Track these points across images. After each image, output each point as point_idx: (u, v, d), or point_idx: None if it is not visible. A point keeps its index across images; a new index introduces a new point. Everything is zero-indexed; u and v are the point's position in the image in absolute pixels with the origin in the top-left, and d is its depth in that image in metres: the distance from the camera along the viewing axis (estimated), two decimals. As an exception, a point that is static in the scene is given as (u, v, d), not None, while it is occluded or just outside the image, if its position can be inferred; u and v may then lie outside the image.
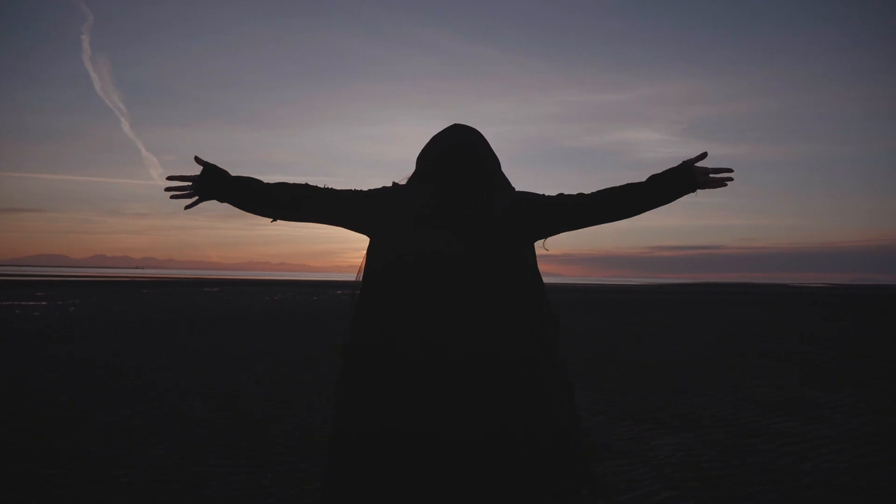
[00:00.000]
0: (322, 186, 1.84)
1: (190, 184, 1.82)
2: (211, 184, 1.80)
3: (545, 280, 1.82)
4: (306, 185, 1.83)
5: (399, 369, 1.63)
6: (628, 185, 1.79)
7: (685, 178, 1.79)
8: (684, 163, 1.81)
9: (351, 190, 1.85)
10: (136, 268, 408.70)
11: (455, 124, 1.85)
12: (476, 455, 1.56)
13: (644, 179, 1.81)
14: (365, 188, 1.87)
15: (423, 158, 1.84)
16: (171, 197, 1.83)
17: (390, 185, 1.83)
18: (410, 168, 1.86)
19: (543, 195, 1.80)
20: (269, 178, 1.81)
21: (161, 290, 34.29)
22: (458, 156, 1.76)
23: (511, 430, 1.59)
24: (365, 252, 1.81)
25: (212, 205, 1.86)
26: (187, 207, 1.85)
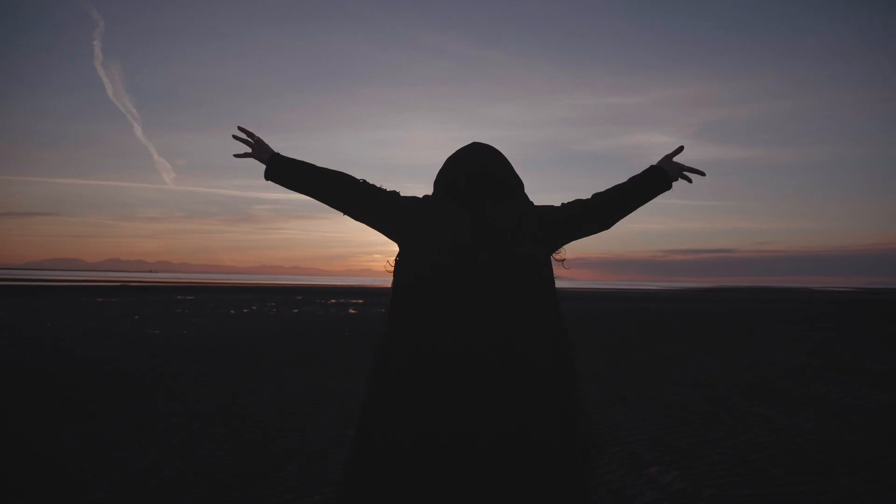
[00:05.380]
0: (377, 186, 1.90)
1: (250, 148, 2.00)
2: (274, 169, 1.94)
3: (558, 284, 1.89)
4: (364, 181, 1.90)
5: (428, 376, 1.62)
6: (617, 190, 1.95)
7: (663, 179, 1.99)
8: (661, 164, 2.02)
9: (393, 193, 1.89)
10: (150, 271, 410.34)
11: (474, 145, 1.92)
12: (501, 459, 1.57)
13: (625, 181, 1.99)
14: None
15: (444, 179, 1.88)
16: (235, 138, 2.02)
17: (420, 196, 1.89)
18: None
19: (554, 207, 1.89)
20: None
21: (125, 298, 29.06)
22: (479, 183, 1.81)
23: (533, 433, 1.60)
24: (394, 261, 1.81)
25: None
26: (236, 155, 2.02)
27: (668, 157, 2.03)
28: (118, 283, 57.33)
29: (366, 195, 1.86)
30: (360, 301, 31.82)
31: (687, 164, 2.03)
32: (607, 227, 1.95)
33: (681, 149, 2.04)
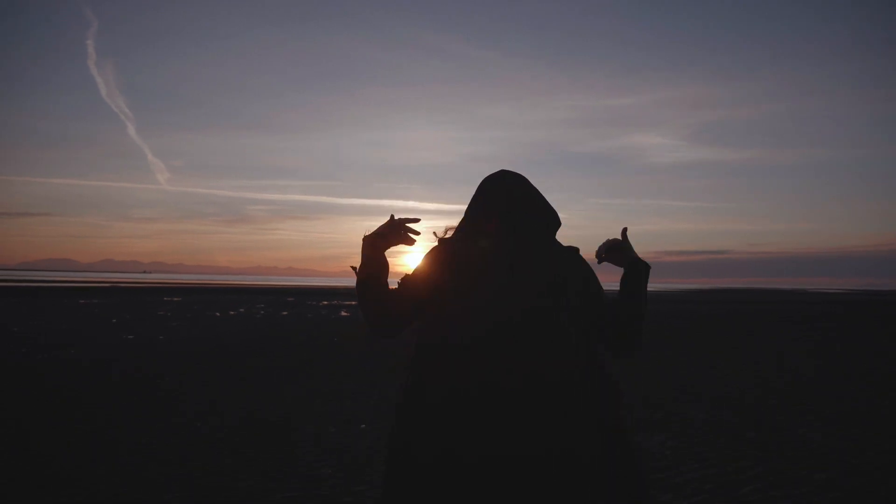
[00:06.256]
0: (410, 293, 1.78)
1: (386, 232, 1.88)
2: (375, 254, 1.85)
3: None
4: (409, 300, 1.79)
5: (455, 397, 1.62)
6: (620, 304, 1.80)
7: (641, 269, 1.86)
8: (627, 262, 1.87)
9: (424, 280, 1.78)
10: (144, 272, 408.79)
11: (504, 176, 1.87)
12: (531, 476, 1.56)
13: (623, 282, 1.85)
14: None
15: (475, 214, 1.84)
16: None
17: (436, 240, 1.86)
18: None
19: (591, 284, 1.77)
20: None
21: (110, 300, 28.19)
22: (509, 221, 1.79)
23: (559, 451, 1.58)
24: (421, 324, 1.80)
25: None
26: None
27: (620, 250, 1.89)
28: (108, 285, 56.44)
29: (398, 307, 1.79)
30: (353, 303, 30.93)
31: (610, 250, 1.93)
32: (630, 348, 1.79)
33: (625, 230, 1.95)
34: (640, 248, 1.92)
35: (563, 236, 1.89)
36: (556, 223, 1.86)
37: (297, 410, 5.89)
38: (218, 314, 20.05)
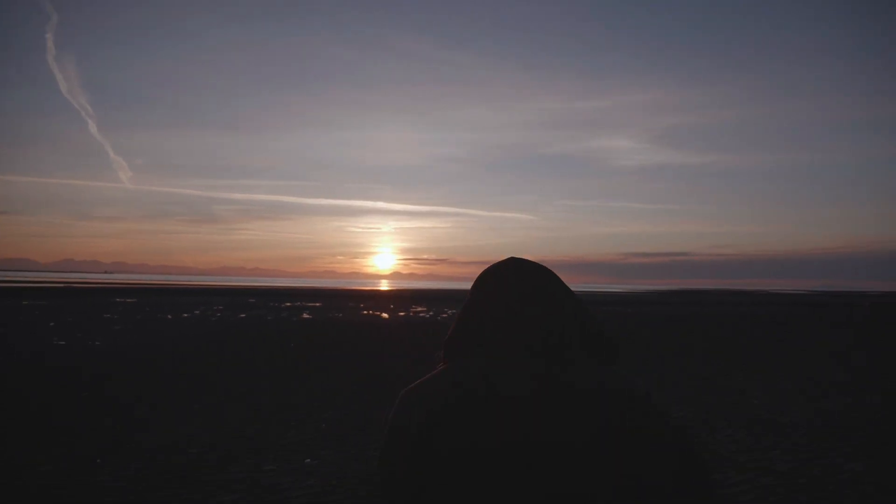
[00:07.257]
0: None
1: None
2: None
3: None
4: None
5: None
6: None
7: None
8: None
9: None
10: (105, 272, 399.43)
11: (517, 268, 1.35)
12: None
13: None
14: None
15: (481, 314, 1.31)
16: None
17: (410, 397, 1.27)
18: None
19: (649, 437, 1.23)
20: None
21: (55, 301, 26.62)
22: (527, 325, 1.28)
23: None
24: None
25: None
26: None
27: None
28: (62, 285, 54.19)
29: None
30: (318, 304, 29.75)
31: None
32: None
33: None
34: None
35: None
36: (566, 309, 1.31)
37: (228, 439, 4.84)
38: (169, 317, 18.76)
